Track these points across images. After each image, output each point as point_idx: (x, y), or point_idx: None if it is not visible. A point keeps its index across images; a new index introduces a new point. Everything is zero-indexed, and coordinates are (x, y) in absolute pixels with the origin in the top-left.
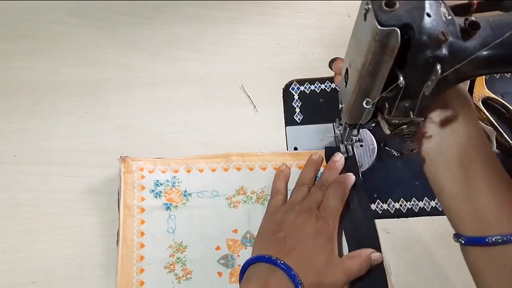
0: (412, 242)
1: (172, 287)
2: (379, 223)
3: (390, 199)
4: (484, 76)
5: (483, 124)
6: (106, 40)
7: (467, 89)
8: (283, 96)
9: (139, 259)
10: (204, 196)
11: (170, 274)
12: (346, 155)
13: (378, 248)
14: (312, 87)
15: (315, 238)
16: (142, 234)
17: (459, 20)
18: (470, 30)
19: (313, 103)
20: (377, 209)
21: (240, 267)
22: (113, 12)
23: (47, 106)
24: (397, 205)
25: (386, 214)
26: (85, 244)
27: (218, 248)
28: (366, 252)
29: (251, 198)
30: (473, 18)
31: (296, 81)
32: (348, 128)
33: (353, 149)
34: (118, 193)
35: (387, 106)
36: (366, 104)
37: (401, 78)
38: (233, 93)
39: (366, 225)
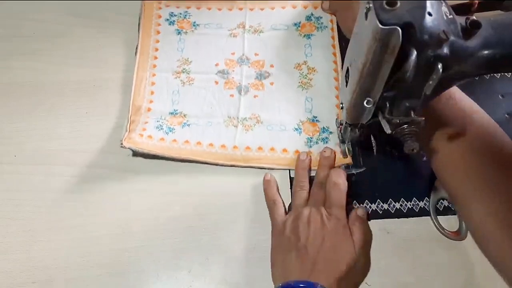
0: (412, 242)
1: (177, 89)
2: (380, 223)
3: (390, 199)
4: None
5: None
6: (106, 40)
7: None
8: None
9: (152, 67)
10: (210, 27)
11: (176, 79)
12: (346, 155)
13: None
14: None
15: (333, 237)
16: (156, 49)
17: (460, 20)
18: (471, 29)
19: None
20: (377, 209)
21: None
22: (113, 12)
23: (47, 106)
24: (397, 205)
25: (386, 214)
26: (85, 244)
27: (217, 64)
28: (355, 217)
29: (249, 30)
30: (474, 18)
31: None
32: (349, 128)
33: (354, 148)
34: (139, 18)
35: (388, 105)
36: (367, 103)
37: (440, 65)
38: None
39: None
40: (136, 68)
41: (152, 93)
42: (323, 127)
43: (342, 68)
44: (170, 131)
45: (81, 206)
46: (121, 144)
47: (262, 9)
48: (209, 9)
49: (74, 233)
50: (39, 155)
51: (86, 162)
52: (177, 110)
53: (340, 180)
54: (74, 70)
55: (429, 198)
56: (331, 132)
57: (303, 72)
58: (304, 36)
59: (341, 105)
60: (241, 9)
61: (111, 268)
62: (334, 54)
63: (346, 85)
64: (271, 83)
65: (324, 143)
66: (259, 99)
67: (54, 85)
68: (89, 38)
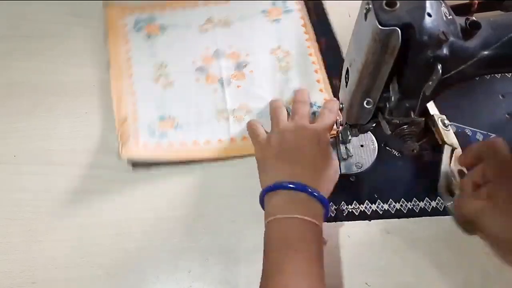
0: (412, 242)
1: (159, 94)
2: (380, 223)
3: (390, 199)
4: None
5: None
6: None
7: None
8: None
9: (129, 77)
10: (178, 27)
11: (156, 84)
12: (346, 155)
13: None
14: None
15: (312, 146)
16: (129, 59)
17: (460, 20)
18: (471, 30)
19: None
20: (377, 209)
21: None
22: None
23: (47, 106)
24: (397, 205)
25: (386, 214)
26: (85, 244)
27: (194, 62)
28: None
29: (218, 24)
30: (473, 18)
31: None
32: (349, 128)
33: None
34: (105, 30)
35: (387, 106)
36: (366, 104)
37: (439, 66)
38: None
39: None
40: (112, 81)
41: (134, 103)
42: (310, 103)
43: (316, 42)
44: (164, 136)
45: (81, 206)
46: (120, 157)
47: (227, 3)
48: (174, 9)
49: (74, 233)
50: (39, 155)
51: (86, 162)
52: (164, 115)
53: (333, 110)
54: (74, 70)
55: (429, 198)
56: (319, 106)
57: (279, 56)
58: (273, 21)
59: (340, 106)
60: (206, 4)
61: (111, 268)
62: (306, 32)
63: (346, 86)
64: (251, 71)
65: (315, 116)
66: (243, 89)
67: (54, 85)
68: (89, 38)
